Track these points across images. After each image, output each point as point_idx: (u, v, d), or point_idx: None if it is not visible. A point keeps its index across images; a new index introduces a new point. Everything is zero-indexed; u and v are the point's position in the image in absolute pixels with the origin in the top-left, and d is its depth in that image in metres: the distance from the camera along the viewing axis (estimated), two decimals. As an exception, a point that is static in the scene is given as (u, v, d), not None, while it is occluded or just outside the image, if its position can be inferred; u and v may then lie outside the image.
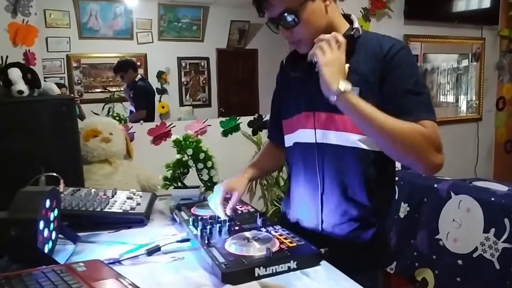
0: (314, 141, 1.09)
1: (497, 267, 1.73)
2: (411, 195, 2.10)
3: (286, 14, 0.99)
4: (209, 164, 1.48)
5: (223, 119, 2.76)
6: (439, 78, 3.54)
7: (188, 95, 5.83)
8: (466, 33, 3.45)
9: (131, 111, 4.08)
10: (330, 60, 0.94)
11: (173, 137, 1.51)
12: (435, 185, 2.00)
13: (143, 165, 2.41)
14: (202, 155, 1.47)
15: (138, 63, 5.05)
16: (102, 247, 1.09)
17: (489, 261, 1.76)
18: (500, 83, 3.76)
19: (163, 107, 5.48)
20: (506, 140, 3.88)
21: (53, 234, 1.02)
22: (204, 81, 5.84)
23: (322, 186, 1.08)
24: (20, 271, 0.78)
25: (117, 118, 3.64)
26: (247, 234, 0.99)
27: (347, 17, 1.09)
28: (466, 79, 3.64)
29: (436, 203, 1.99)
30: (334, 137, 1.05)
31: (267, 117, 2.90)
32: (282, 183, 2.79)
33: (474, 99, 3.65)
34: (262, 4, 1.03)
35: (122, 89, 5.16)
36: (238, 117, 2.79)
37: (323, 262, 0.91)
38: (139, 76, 4.13)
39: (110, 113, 4.40)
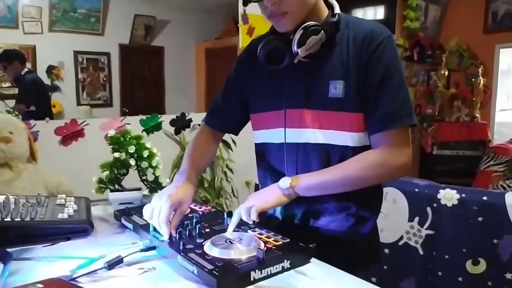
0: (288, 141, 1.02)
1: (421, 252, 1.88)
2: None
3: None
4: (154, 162, 1.33)
5: (144, 117, 2.56)
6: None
7: (85, 94, 5.33)
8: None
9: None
10: (250, 204, 0.93)
11: (110, 133, 1.33)
12: (363, 180, 2.10)
13: (51, 169, 2.09)
14: (146, 153, 1.32)
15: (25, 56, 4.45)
16: (42, 263, 0.89)
17: (413, 248, 1.90)
18: (396, 88, 4.17)
19: (54, 106, 4.89)
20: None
21: (-22, 253, 0.80)
22: (104, 79, 5.39)
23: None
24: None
25: (13, 115, 3.14)
26: (228, 235, 0.90)
27: (326, 1, 1.00)
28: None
29: (363, 196, 2.10)
30: (316, 136, 0.98)
31: (190, 116, 2.78)
32: (206, 184, 2.69)
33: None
34: None
35: (4, 85, 4.49)
36: (159, 115, 2.61)
37: (313, 259, 0.86)
38: (26, 69, 3.66)
39: None
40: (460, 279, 1.76)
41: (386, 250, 2.00)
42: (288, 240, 0.90)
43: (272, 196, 0.97)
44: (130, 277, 0.81)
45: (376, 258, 1.10)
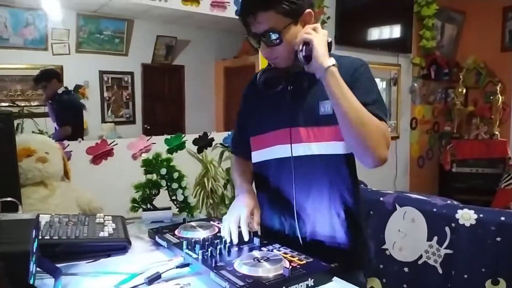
0: (290, 155, 1.15)
1: (440, 271, 1.91)
2: (358, 208, 2.23)
3: (271, 33, 1.06)
4: (183, 183, 1.42)
5: (168, 136, 2.67)
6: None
7: (110, 111, 5.52)
8: (386, 59, 3.82)
9: (55, 128, 3.72)
10: (320, 41, 1.04)
11: (144, 156, 1.43)
12: (381, 198, 2.15)
13: (82, 186, 2.21)
14: (176, 174, 1.41)
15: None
16: (88, 279, 0.98)
17: (432, 267, 1.93)
18: (413, 105, 4.21)
19: (81, 124, 5.09)
20: (419, 156, 4.34)
21: (34, 268, 0.89)
22: (127, 97, 5.58)
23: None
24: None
25: (46, 135, 3.28)
26: (255, 254, 0.97)
27: None
28: (387, 101, 4.01)
29: (382, 215, 2.14)
30: (313, 148, 1.13)
31: (211, 135, 2.88)
32: (227, 201, 2.77)
33: (392, 119, 4.03)
34: (250, 20, 1.08)
35: (32, 104, 4.70)
36: (183, 135, 2.71)
37: (335, 278, 0.93)
38: (63, 88, 3.80)
39: (32, 130, 3.97)
40: (479, 298, 1.78)
41: (406, 269, 2.04)
42: (312, 259, 0.97)
43: None
44: (168, 292, 0.90)
45: (367, 261, 1.27)
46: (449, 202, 1.98)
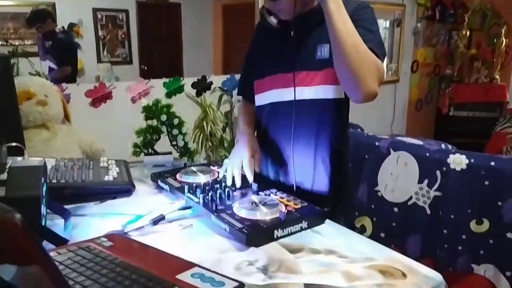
0: (293, 99, 1.16)
1: (428, 212, 2.01)
2: (354, 152, 2.29)
3: None
4: (183, 129, 1.46)
5: (166, 80, 2.66)
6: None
7: (105, 51, 5.41)
8: (390, -1, 3.70)
9: (50, 68, 3.68)
10: None
11: (144, 103, 1.44)
12: (376, 143, 2.20)
13: (83, 129, 2.25)
14: (176, 121, 1.44)
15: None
16: (96, 219, 1.04)
17: (421, 208, 2.03)
18: (415, 48, 4.14)
19: (76, 64, 5.01)
20: (417, 99, 4.35)
21: (44, 210, 0.95)
22: (123, 36, 5.45)
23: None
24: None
25: (43, 77, 3.27)
26: (253, 198, 1.03)
27: None
28: (390, 43, 3.93)
29: (376, 159, 2.21)
30: (312, 92, 1.15)
31: (211, 78, 2.87)
32: (226, 144, 2.83)
33: (393, 62, 3.98)
34: None
35: (27, 42, 4.60)
36: (182, 78, 2.71)
37: (327, 220, 1.00)
38: (60, 28, 3.72)
39: (29, 71, 3.92)
40: (463, 237, 1.90)
41: (395, 209, 2.14)
42: (306, 204, 1.03)
43: None
44: (171, 232, 0.96)
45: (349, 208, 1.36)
46: (443, 146, 2.04)
